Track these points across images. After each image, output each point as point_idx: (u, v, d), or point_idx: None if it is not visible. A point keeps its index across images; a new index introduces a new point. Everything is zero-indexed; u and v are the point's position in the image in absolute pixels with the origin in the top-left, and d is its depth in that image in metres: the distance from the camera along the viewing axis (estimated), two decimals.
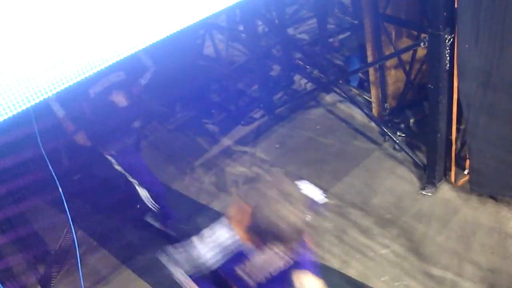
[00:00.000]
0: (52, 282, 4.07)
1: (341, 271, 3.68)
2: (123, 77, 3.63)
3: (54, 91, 1.83)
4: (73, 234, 2.57)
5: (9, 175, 3.89)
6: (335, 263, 3.75)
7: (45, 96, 1.84)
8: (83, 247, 4.21)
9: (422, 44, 3.77)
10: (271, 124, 5.32)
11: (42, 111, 2.22)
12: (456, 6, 3.30)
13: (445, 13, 3.36)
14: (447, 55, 3.52)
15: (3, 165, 3.62)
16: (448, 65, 3.56)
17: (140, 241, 4.28)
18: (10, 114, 1.76)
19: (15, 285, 3.48)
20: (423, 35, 3.91)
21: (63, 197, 2.47)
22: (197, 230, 4.17)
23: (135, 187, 3.93)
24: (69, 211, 2.61)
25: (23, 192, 4.38)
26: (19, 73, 1.74)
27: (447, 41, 3.46)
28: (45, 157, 2.37)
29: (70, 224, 2.53)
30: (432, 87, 3.71)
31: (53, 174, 2.40)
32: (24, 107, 1.79)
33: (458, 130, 3.95)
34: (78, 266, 2.59)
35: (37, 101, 1.81)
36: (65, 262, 4.21)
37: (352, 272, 3.67)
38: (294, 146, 4.96)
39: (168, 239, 3.95)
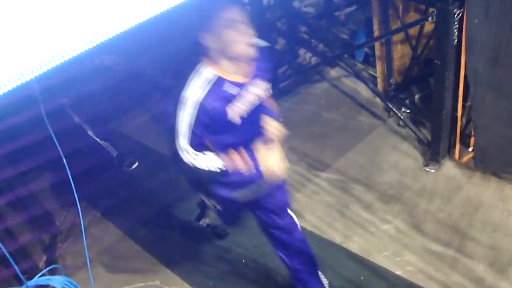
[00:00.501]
0: (57, 252, 4.12)
1: (343, 246, 3.71)
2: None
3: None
4: (77, 205, 2.58)
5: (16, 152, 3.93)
6: (337, 238, 3.78)
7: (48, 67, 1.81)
8: (87, 218, 4.24)
9: (430, 18, 3.71)
10: (275, 98, 5.19)
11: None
12: None
13: None
14: (455, 30, 3.47)
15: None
16: (456, 41, 3.51)
17: (145, 215, 4.31)
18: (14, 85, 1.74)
19: (21, 253, 3.52)
20: (431, 10, 3.85)
21: (67, 169, 2.48)
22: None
23: None
24: (73, 183, 2.62)
25: (30, 167, 4.41)
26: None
27: (455, 15, 3.40)
28: (53, 135, 2.38)
29: (74, 195, 2.54)
30: (439, 62, 3.66)
31: (58, 147, 2.41)
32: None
33: (463, 107, 3.93)
34: (82, 236, 2.61)
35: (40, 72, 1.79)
36: (70, 232, 4.26)
37: (354, 246, 3.70)
38: (298, 120, 4.95)
39: None
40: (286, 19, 5.79)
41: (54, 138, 2.42)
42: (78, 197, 2.65)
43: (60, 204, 4.46)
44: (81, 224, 2.68)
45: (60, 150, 2.52)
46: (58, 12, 1.74)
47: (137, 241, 4.08)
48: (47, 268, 2.90)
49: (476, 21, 3.31)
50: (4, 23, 1.62)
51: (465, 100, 3.88)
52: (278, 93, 5.32)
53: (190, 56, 2.97)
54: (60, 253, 4.12)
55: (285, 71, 5.61)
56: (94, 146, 4.84)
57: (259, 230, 3.07)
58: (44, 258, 4.04)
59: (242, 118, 2.42)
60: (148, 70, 5.03)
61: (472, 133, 3.92)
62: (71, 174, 2.57)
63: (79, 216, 2.62)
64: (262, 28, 5.21)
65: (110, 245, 4.08)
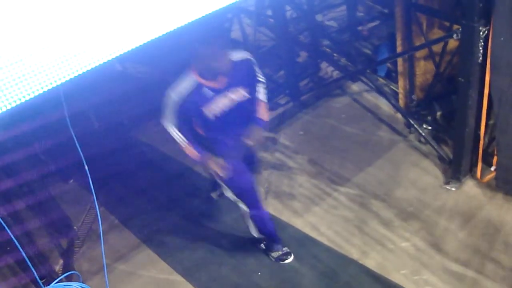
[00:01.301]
0: (74, 256, 4.15)
1: (360, 262, 3.67)
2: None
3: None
4: (96, 210, 2.60)
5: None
6: (354, 254, 3.73)
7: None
8: (104, 224, 4.27)
9: (454, 35, 3.68)
10: (295, 110, 5.29)
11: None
12: None
13: (480, 4, 3.27)
14: (480, 48, 3.43)
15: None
16: (480, 58, 3.47)
17: (162, 222, 4.32)
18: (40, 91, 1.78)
19: (39, 258, 3.55)
20: (455, 26, 3.82)
21: (88, 173, 2.50)
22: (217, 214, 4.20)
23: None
24: (93, 188, 2.64)
25: (49, 169, 4.46)
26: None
27: (481, 33, 3.37)
28: (74, 136, 2.40)
29: (94, 200, 2.56)
30: (462, 80, 3.62)
31: (81, 154, 2.43)
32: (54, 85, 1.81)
33: (486, 125, 3.87)
34: (101, 242, 2.63)
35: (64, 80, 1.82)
36: (87, 238, 4.29)
37: (371, 263, 3.65)
38: (318, 134, 4.93)
39: None
40: (309, 32, 5.80)
41: (76, 142, 2.45)
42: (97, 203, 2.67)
43: (78, 209, 4.50)
44: (99, 230, 2.70)
45: (82, 155, 2.54)
46: (88, 21, 1.78)
47: (155, 249, 4.10)
48: (64, 274, 2.92)
49: (502, 39, 3.27)
50: (35, 33, 1.67)
51: (488, 118, 3.82)
52: (299, 106, 5.33)
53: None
54: (77, 258, 4.15)
55: (306, 84, 5.62)
56: (114, 152, 4.89)
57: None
58: (61, 262, 4.08)
59: (216, 116, 3.08)
60: (171, 78, 5.06)
61: (495, 152, 3.86)
62: (91, 180, 2.59)
63: (98, 221, 2.63)
64: (285, 40, 5.24)
65: (127, 252, 4.10)
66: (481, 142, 3.91)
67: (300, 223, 4.05)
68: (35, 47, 1.68)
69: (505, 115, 3.55)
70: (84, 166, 2.55)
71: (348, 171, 4.42)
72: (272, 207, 4.21)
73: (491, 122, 3.86)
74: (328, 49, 5.76)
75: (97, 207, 2.60)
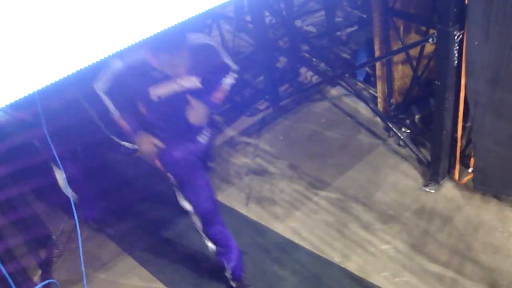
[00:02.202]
0: (53, 266, 4.09)
1: (342, 265, 3.69)
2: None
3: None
4: (75, 219, 2.56)
5: (11, 159, 3.90)
6: (335, 257, 3.75)
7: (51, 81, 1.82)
8: (84, 232, 4.21)
9: (430, 39, 3.73)
10: (275, 116, 5.31)
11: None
12: (466, 2, 3.26)
13: (455, 9, 3.33)
14: (456, 52, 3.49)
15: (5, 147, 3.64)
16: (456, 62, 3.53)
17: (141, 229, 4.29)
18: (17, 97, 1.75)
19: (16, 267, 3.49)
20: (431, 31, 3.88)
21: (66, 180, 2.47)
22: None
23: None
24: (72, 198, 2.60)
25: (25, 175, 4.37)
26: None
27: (456, 37, 3.43)
28: (48, 138, 2.36)
29: (72, 209, 2.52)
30: (439, 83, 3.68)
31: (56, 156, 2.40)
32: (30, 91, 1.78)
33: (463, 127, 3.93)
34: (80, 251, 2.59)
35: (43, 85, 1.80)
36: (66, 247, 4.23)
37: (353, 266, 3.67)
38: (298, 139, 4.95)
39: None
40: (288, 38, 5.84)
41: (55, 153, 2.41)
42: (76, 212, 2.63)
43: (57, 218, 4.44)
44: (78, 239, 2.66)
45: (61, 165, 2.51)
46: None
47: (135, 257, 4.06)
48: (42, 283, 2.87)
49: (476, 43, 3.33)
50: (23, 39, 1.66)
51: (465, 121, 3.88)
52: (279, 111, 5.35)
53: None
54: (56, 268, 4.08)
55: (286, 89, 5.64)
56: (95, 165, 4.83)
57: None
58: (40, 272, 4.01)
59: (160, 98, 2.88)
60: None
61: (472, 154, 3.92)
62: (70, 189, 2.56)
63: (77, 230, 2.59)
64: (264, 46, 5.26)
65: (107, 261, 4.05)
66: (459, 144, 3.97)
67: (281, 228, 4.05)
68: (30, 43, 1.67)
69: (480, 118, 3.61)
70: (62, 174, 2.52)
71: (329, 175, 4.45)
72: (253, 212, 4.21)
73: (468, 124, 3.92)
74: (307, 54, 5.80)
75: (75, 215, 2.56)
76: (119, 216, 4.44)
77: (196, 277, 3.81)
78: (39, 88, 1.78)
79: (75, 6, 1.80)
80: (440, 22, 3.48)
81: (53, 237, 4.31)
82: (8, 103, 1.73)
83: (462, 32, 3.41)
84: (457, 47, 3.47)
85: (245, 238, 3.97)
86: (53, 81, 1.81)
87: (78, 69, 1.87)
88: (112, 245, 4.20)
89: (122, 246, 4.17)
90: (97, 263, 4.03)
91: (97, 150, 4.84)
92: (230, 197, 4.38)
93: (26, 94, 1.76)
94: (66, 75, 1.84)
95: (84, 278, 2.80)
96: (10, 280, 2.35)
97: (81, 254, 2.70)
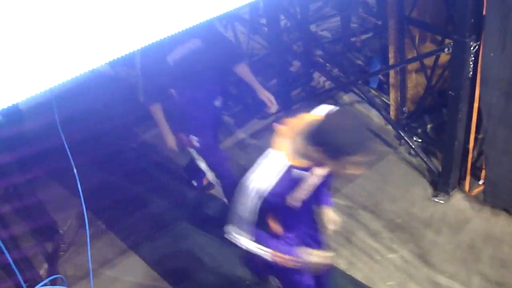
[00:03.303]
0: (59, 261, 4.11)
1: (347, 273, 3.67)
2: (199, 43, 3.37)
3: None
4: (84, 215, 2.57)
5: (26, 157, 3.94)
6: (341, 264, 3.73)
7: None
8: (91, 229, 4.23)
9: (446, 49, 3.72)
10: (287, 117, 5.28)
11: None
12: (484, 13, 3.24)
13: (472, 20, 3.31)
14: (471, 63, 3.47)
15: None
16: (471, 73, 3.51)
17: (150, 229, 4.30)
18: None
19: (24, 261, 3.51)
20: (447, 41, 3.86)
21: (77, 178, 2.48)
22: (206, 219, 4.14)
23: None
24: (82, 192, 2.61)
25: (38, 171, 4.41)
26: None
27: (472, 48, 3.41)
28: (65, 145, 2.38)
29: (82, 205, 2.53)
30: (453, 94, 3.66)
31: (70, 157, 2.41)
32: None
33: (476, 139, 3.90)
34: (87, 246, 2.60)
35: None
36: (73, 242, 4.25)
37: (358, 274, 3.65)
38: None
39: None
40: (303, 42, 5.83)
41: (66, 146, 2.43)
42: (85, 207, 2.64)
43: (65, 212, 4.46)
44: (86, 234, 2.66)
45: (72, 160, 2.52)
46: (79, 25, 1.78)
47: (141, 256, 4.07)
48: (49, 278, 2.88)
49: (492, 54, 3.31)
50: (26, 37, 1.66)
51: (477, 132, 3.86)
52: (290, 115, 5.32)
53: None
54: (62, 262, 4.11)
55: (298, 93, 5.63)
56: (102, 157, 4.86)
57: None
58: (46, 266, 4.03)
59: (302, 201, 2.32)
60: None
61: (483, 166, 3.89)
62: (80, 184, 2.57)
63: (85, 226, 2.60)
64: (278, 49, 5.26)
65: (113, 258, 4.07)
66: (470, 155, 3.94)
67: None
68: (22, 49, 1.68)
69: (493, 130, 3.58)
70: (73, 171, 2.52)
71: (338, 182, 4.42)
72: None
73: (480, 136, 3.89)
74: (321, 59, 5.78)
75: (85, 211, 2.57)
76: (126, 214, 4.46)
77: (203, 278, 3.81)
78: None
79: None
80: (456, 32, 3.46)
81: (60, 231, 4.34)
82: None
83: (478, 43, 3.38)
84: (473, 58, 3.45)
85: None
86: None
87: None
88: (119, 242, 4.21)
89: (129, 244, 4.18)
90: (103, 260, 4.04)
91: None
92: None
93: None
94: None
95: (91, 274, 2.81)
96: (19, 276, 2.36)
97: (89, 249, 2.71)
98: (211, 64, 3.49)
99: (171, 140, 3.69)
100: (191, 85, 3.46)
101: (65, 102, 2.73)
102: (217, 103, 3.75)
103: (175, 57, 3.32)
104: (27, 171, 4.18)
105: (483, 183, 3.97)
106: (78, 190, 2.49)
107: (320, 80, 5.74)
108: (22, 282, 2.46)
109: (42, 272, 3.95)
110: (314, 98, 5.49)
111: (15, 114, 4.18)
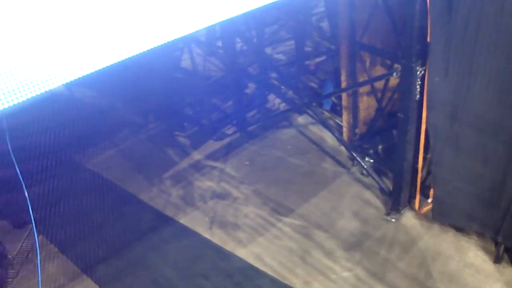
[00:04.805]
0: (7, 287, 3.95)
1: None
2: None
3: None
4: (35, 238, 2.51)
5: None
6: (297, 284, 3.76)
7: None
8: (43, 252, 4.11)
9: (394, 74, 3.88)
10: (242, 141, 5.35)
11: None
12: (428, 40, 3.42)
13: (417, 46, 3.48)
14: (418, 87, 3.64)
15: None
16: (418, 96, 3.67)
17: (103, 250, 4.21)
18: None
19: None
20: (396, 65, 4.02)
21: (28, 199, 2.43)
22: (161, 242, 4.10)
23: None
24: (32, 215, 2.56)
25: None
26: None
27: (418, 72, 3.57)
28: (12, 157, 2.33)
29: (33, 228, 2.47)
30: (402, 116, 3.81)
31: (19, 175, 2.36)
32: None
33: (424, 159, 4.06)
34: (38, 272, 2.53)
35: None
36: (23, 267, 4.10)
37: None
38: (264, 165, 5.00)
39: None
40: (258, 65, 5.93)
41: (17, 169, 2.38)
42: (36, 230, 2.58)
43: (15, 236, 4.30)
44: (37, 259, 2.60)
45: (22, 180, 2.47)
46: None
47: (95, 279, 3.97)
48: None
49: (437, 79, 3.48)
50: None
51: (426, 152, 4.01)
52: (246, 136, 5.39)
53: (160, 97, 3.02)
54: None
55: (254, 115, 5.70)
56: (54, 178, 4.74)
57: None
58: None
59: None
60: (118, 105, 5.03)
61: (432, 185, 4.04)
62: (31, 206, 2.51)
63: (36, 250, 2.54)
64: (234, 72, 5.33)
65: (66, 283, 3.95)
66: (419, 175, 4.09)
67: (244, 253, 4.05)
68: None
69: (440, 150, 3.74)
70: (24, 191, 2.47)
71: (293, 202, 4.49)
72: (216, 236, 4.20)
73: (428, 156, 4.05)
74: (276, 82, 5.89)
75: (35, 234, 2.51)
76: (79, 236, 4.35)
77: None
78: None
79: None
80: (403, 58, 3.63)
81: (9, 257, 4.17)
82: None
83: (424, 68, 3.55)
84: (419, 82, 3.61)
85: (208, 262, 3.96)
86: None
87: None
88: (71, 266, 4.10)
89: (82, 267, 4.08)
90: (55, 285, 3.92)
91: None
92: (193, 221, 4.37)
93: None
94: None
95: None
96: None
97: (39, 275, 2.64)
98: None
99: None
100: None
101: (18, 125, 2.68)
102: None
103: None
104: None
105: (431, 202, 4.12)
106: (29, 212, 2.43)
107: (275, 102, 5.84)
108: None
109: None
110: (269, 119, 5.58)
111: None
